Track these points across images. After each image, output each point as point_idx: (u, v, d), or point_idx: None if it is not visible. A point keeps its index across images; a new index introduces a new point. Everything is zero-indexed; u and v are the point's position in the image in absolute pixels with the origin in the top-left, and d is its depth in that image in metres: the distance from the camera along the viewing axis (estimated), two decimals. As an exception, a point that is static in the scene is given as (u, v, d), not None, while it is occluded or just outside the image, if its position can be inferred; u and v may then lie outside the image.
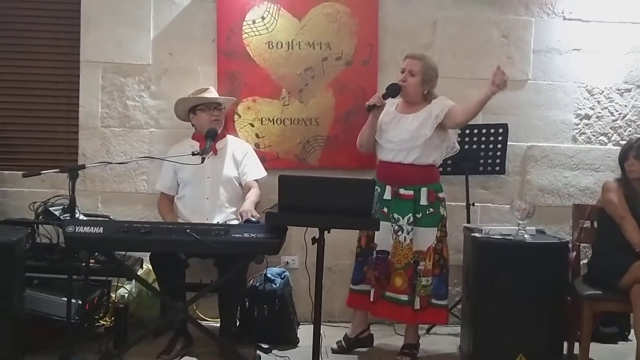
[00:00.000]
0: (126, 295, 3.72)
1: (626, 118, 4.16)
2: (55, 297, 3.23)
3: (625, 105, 4.16)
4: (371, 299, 3.35)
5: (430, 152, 3.33)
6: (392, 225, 3.31)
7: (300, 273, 3.81)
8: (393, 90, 3.36)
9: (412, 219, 3.29)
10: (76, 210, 3.11)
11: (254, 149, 3.87)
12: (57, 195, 3.55)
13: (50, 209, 3.47)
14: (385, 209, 3.34)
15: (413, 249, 3.29)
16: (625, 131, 4.14)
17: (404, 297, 3.29)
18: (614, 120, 4.16)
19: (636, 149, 3.31)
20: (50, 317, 3.23)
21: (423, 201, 3.30)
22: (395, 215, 3.31)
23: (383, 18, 4.02)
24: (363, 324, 3.55)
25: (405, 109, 3.42)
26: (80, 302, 3.19)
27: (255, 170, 3.70)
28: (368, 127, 3.43)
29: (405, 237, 3.29)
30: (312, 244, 2.96)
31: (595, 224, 3.52)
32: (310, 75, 3.99)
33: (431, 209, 3.32)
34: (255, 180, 3.67)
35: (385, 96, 3.34)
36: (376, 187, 3.15)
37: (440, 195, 3.38)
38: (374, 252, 3.36)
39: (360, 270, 3.46)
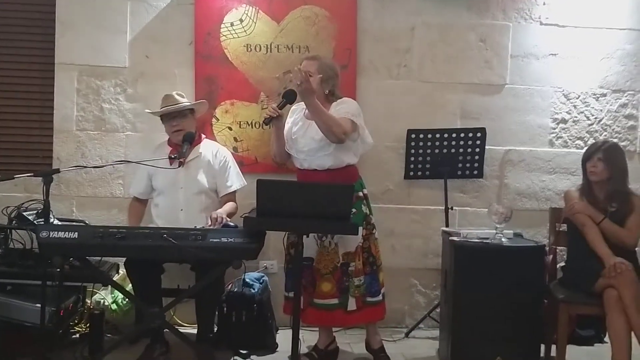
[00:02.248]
0: (102, 301, 3.66)
1: (602, 122, 4.21)
2: (29, 304, 3.18)
3: (601, 110, 4.21)
4: (300, 307, 3.26)
5: (343, 155, 3.28)
6: None
7: (279, 278, 3.78)
8: (289, 97, 3.29)
9: None
10: (50, 215, 3.05)
11: (232, 153, 3.80)
12: (31, 200, 3.49)
13: (24, 213, 3.41)
14: None
15: (339, 252, 3.26)
16: (601, 135, 4.19)
17: (334, 301, 3.26)
18: (590, 125, 4.21)
19: (604, 152, 3.32)
20: (23, 323, 3.17)
21: None
22: None
23: (362, 22, 4.03)
24: (331, 335, 3.49)
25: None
26: (54, 308, 3.14)
27: (233, 181, 3.58)
28: (275, 140, 3.38)
29: (330, 242, 3.26)
30: (291, 248, 2.95)
31: (567, 229, 3.53)
32: (289, 78, 3.97)
33: (354, 209, 3.21)
34: (234, 192, 3.58)
35: (281, 105, 3.27)
36: None
37: (361, 193, 3.35)
38: None
39: (291, 278, 3.32)
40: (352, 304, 3.26)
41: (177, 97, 3.54)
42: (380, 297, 3.36)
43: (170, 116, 3.50)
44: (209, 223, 3.21)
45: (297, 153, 3.33)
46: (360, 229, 3.27)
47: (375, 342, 3.44)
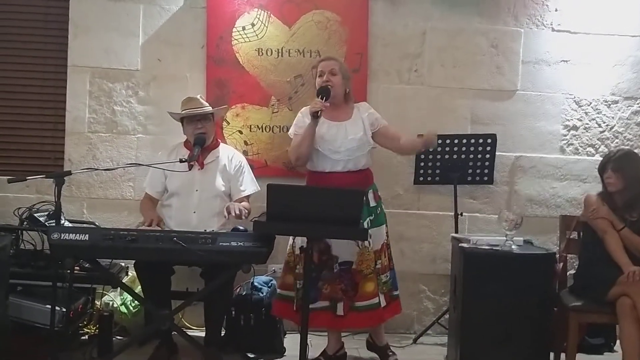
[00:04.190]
0: (111, 302, 3.68)
1: (613, 129, 4.19)
2: (39, 305, 3.20)
3: (613, 117, 4.19)
4: (340, 313, 3.24)
5: (369, 156, 3.40)
6: None
7: (288, 281, 3.78)
8: (327, 94, 3.24)
9: (369, 223, 3.30)
10: (61, 217, 3.07)
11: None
12: (42, 201, 3.53)
13: (35, 215, 3.44)
14: None
15: (373, 251, 3.32)
16: (612, 142, 4.16)
17: (376, 300, 3.28)
18: (601, 132, 4.19)
19: (614, 162, 3.30)
20: (33, 324, 3.19)
21: (372, 203, 3.35)
22: None
23: (373, 27, 4.03)
24: (340, 341, 3.47)
25: (333, 114, 3.32)
26: (64, 309, 3.14)
27: (247, 186, 3.57)
28: (308, 137, 3.24)
29: (369, 242, 3.29)
30: (300, 253, 2.95)
31: (581, 235, 3.52)
32: (300, 82, 3.99)
33: (379, 209, 3.40)
34: (247, 196, 3.57)
35: (324, 100, 3.24)
36: None
37: (379, 193, 3.46)
38: (336, 264, 3.26)
39: (315, 287, 3.23)
40: (382, 300, 3.33)
41: (201, 100, 3.53)
42: (398, 291, 3.49)
43: (195, 119, 3.49)
44: (226, 215, 3.29)
45: (333, 154, 3.30)
46: (384, 226, 3.41)
47: (382, 339, 3.47)
